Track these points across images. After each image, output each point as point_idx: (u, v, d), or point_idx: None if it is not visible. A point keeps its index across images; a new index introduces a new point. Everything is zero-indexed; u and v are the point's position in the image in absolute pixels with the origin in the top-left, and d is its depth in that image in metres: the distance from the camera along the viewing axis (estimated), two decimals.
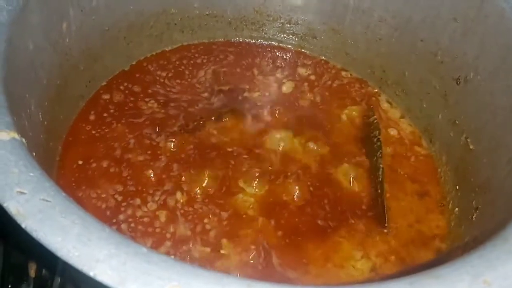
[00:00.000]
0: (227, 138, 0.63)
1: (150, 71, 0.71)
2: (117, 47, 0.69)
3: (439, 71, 0.64)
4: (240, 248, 0.53)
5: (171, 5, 0.73)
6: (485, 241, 0.35)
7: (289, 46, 0.78)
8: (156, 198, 0.56)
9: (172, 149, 0.61)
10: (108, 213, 0.55)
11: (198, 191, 0.57)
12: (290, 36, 0.78)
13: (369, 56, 0.73)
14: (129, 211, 0.55)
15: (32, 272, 0.59)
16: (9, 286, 0.58)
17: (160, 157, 0.60)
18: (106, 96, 0.67)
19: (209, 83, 0.71)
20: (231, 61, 0.75)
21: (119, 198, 0.56)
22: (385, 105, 0.71)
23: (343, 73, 0.75)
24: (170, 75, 0.71)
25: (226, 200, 0.57)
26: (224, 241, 0.54)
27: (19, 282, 0.58)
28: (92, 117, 0.64)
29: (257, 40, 0.79)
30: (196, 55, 0.75)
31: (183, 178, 0.58)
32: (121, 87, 0.68)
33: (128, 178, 0.58)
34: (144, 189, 0.57)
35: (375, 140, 0.62)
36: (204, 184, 0.58)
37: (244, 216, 0.56)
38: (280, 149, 0.63)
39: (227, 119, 0.65)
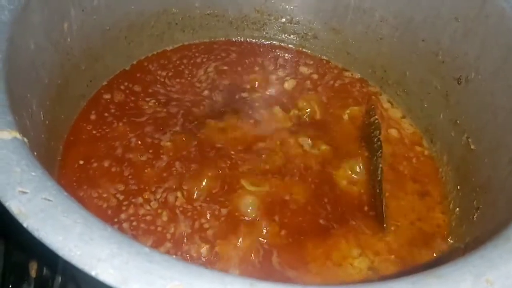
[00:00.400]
0: (228, 137, 0.63)
1: (150, 71, 0.71)
2: (118, 46, 0.69)
3: (440, 71, 0.64)
4: (241, 247, 0.53)
5: (172, 5, 0.73)
6: (486, 240, 0.35)
7: (290, 46, 0.78)
8: (158, 197, 0.57)
9: (173, 148, 0.61)
10: (109, 212, 0.55)
11: (199, 190, 0.57)
12: (291, 35, 0.78)
13: (370, 56, 0.73)
14: (131, 210, 0.55)
15: (33, 272, 0.59)
16: (10, 286, 0.58)
17: (161, 156, 0.60)
18: (107, 96, 0.67)
19: (210, 82, 0.71)
20: (232, 60, 0.75)
21: (121, 197, 0.56)
22: (386, 105, 0.71)
23: (344, 73, 0.75)
24: (170, 74, 0.71)
25: (227, 198, 0.57)
26: (225, 240, 0.54)
27: (20, 281, 0.58)
28: (93, 117, 0.64)
29: (258, 40, 0.79)
30: (197, 54, 0.75)
31: (184, 177, 0.58)
32: (122, 87, 0.68)
33: (129, 177, 0.58)
34: (146, 188, 0.57)
35: (375, 140, 0.62)
36: (205, 183, 0.58)
37: (244, 215, 0.56)
38: (281, 148, 0.63)
39: (228, 118, 0.65)
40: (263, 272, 0.52)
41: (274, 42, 0.79)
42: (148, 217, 0.55)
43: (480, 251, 0.32)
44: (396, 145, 0.66)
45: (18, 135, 0.35)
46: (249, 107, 0.68)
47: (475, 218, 0.54)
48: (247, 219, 0.56)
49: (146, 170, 0.59)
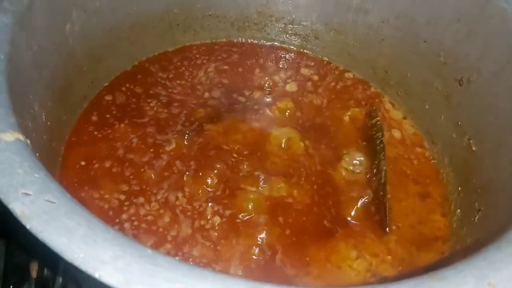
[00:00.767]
0: (230, 138, 0.63)
1: (152, 72, 0.71)
2: (119, 47, 0.69)
3: (442, 72, 0.64)
4: (242, 247, 0.53)
5: (174, 6, 0.73)
6: (488, 242, 0.35)
7: (292, 47, 0.78)
8: (159, 197, 0.57)
9: (174, 149, 0.61)
10: (110, 213, 0.55)
11: (201, 190, 0.58)
12: (293, 36, 0.78)
13: (371, 57, 0.73)
14: (132, 211, 0.55)
15: (33, 273, 0.59)
16: (11, 286, 0.58)
17: (162, 157, 0.60)
18: (109, 97, 0.67)
19: (211, 83, 0.71)
20: (233, 61, 0.75)
21: (122, 198, 0.56)
22: (387, 106, 0.71)
23: (346, 74, 0.75)
24: (171, 76, 0.71)
25: (229, 200, 0.57)
26: (226, 240, 0.54)
27: (21, 282, 0.58)
28: (94, 118, 0.64)
29: (260, 41, 0.79)
30: (198, 55, 0.75)
31: (186, 177, 0.58)
32: (123, 88, 0.68)
33: (130, 177, 0.58)
34: (148, 188, 0.57)
35: (378, 141, 0.62)
36: (207, 184, 0.58)
37: (245, 216, 0.56)
38: (283, 149, 0.63)
39: (229, 119, 0.65)
40: (264, 273, 0.52)
41: (275, 43, 0.79)
42: (149, 217, 0.55)
43: (483, 254, 0.32)
44: (397, 147, 0.66)
45: (20, 137, 0.35)
46: (250, 108, 0.68)
47: (476, 220, 0.54)
48: (248, 220, 0.56)
49: (147, 171, 0.59)
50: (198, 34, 0.77)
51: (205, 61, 0.74)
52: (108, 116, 0.64)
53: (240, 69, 0.74)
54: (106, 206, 0.55)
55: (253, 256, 0.53)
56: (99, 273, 0.28)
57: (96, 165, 0.59)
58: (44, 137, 0.51)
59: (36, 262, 0.58)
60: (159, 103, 0.67)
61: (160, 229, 0.54)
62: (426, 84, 0.67)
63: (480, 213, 0.54)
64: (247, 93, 0.70)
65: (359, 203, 0.59)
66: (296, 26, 0.77)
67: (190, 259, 0.52)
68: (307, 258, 0.53)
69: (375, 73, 0.73)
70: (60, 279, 0.58)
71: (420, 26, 0.66)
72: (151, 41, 0.73)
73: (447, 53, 0.63)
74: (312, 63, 0.76)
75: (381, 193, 0.59)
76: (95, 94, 0.66)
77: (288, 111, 0.68)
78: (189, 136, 0.62)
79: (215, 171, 0.59)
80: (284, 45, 0.79)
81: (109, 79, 0.69)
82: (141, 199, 0.56)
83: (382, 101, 0.72)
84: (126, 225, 0.54)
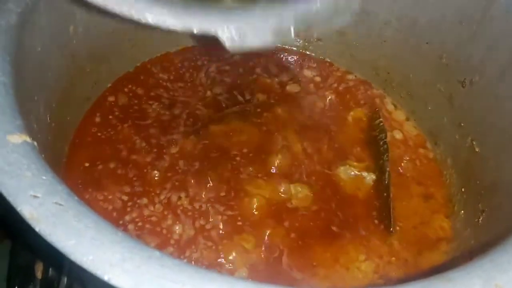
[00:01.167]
0: (232, 140, 0.63)
1: (153, 73, 0.71)
2: (122, 49, 0.69)
3: (445, 73, 0.64)
4: (246, 248, 0.54)
5: None
6: (493, 244, 0.35)
7: (294, 48, 0.78)
8: (162, 198, 0.57)
9: (177, 151, 0.61)
10: (114, 214, 0.55)
11: (205, 192, 0.58)
12: (295, 38, 0.78)
13: (373, 58, 0.73)
14: (136, 212, 0.55)
15: (38, 273, 0.59)
16: (16, 287, 0.58)
17: (165, 158, 0.60)
18: (112, 98, 0.67)
19: (212, 84, 0.71)
20: (235, 62, 0.75)
21: (126, 199, 0.56)
22: (390, 107, 0.71)
23: (348, 76, 0.75)
24: (172, 77, 0.71)
25: (232, 201, 0.57)
26: (230, 241, 0.54)
27: (26, 283, 0.58)
28: (98, 119, 0.64)
29: None
30: (198, 56, 0.75)
31: (189, 179, 0.58)
32: (126, 89, 0.68)
33: (134, 179, 0.58)
34: (151, 189, 0.57)
35: (381, 143, 0.62)
36: (209, 185, 0.58)
37: (249, 217, 0.56)
38: (285, 151, 0.63)
39: (232, 121, 0.65)
40: (269, 274, 0.52)
41: (277, 44, 0.79)
42: (153, 218, 0.55)
43: (490, 255, 0.32)
44: (400, 148, 0.66)
45: (28, 139, 0.35)
46: (252, 109, 0.68)
47: (480, 221, 0.54)
48: (252, 221, 0.56)
49: (150, 172, 0.59)
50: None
51: (206, 62, 0.74)
52: (111, 117, 0.64)
53: (241, 70, 0.74)
54: (110, 207, 0.55)
55: (258, 258, 0.53)
56: (108, 275, 0.28)
57: (100, 166, 0.59)
58: (49, 138, 0.51)
59: (41, 263, 0.58)
60: (161, 105, 0.67)
61: (164, 231, 0.54)
62: (428, 86, 0.67)
63: (483, 214, 0.54)
64: (248, 94, 0.70)
65: (363, 205, 0.59)
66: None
67: (193, 261, 0.52)
68: (314, 261, 0.53)
69: (377, 74, 0.73)
70: (65, 280, 0.58)
71: (422, 27, 0.66)
72: (153, 42, 0.73)
73: (449, 54, 0.63)
74: (314, 65, 0.76)
75: (385, 194, 0.59)
76: (98, 95, 0.66)
77: (291, 112, 0.68)
78: (192, 137, 0.62)
79: (218, 173, 0.59)
80: (286, 46, 0.79)
81: (112, 80, 0.69)
82: (145, 200, 0.56)
83: (385, 102, 0.72)
84: (130, 226, 0.54)
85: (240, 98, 0.70)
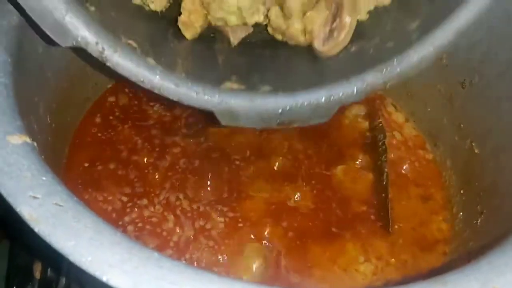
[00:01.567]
0: (233, 141, 0.63)
1: None
2: None
3: (444, 75, 0.64)
4: (246, 249, 0.54)
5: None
6: (492, 246, 0.35)
7: None
8: (161, 198, 0.57)
9: (178, 152, 0.61)
10: (114, 215, 0.55)
11: (204, 193, 0.58)
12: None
13: None
14: (136, 213, 0.55)
15: (37, 273, 0.59)
16: (14, 287, 0.58)
17: (166, 159, 0.60)
18: (112, 99, 0.67)
19: None
20: None
21: (125, 200, 0.56)
22: (389, 108, 0.71)
23: None
24: None
25: (233, 202, 0.57)
26: (230, 241, 0.54)
27: (24, 283, 0.58)
28: (98, 120, 0.64)
29: None
30: None
31: (189, 180, 0.59)
32: (126, 90, 0.68)
33: (134, 180, 0.58)
34: (151, 190, 0.57)
35: (380, 144, 0.62)
36: (211, 186, 0.58)
37: (249, 218, 0.56)
38: (285, 152, 0.63)
39: None
40: (270, 276, 0.52)
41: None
42: (153, 219, 0.55)
43: (487, 258, 0.33)
44: (399, 149, 0.66)
45: (28, 139, 0.35)
46: None
47: (479, 223, 0.54)
48: (251, 221, 0.56)
49: (151, 173, 0.59)
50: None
51: None
52: (111, 117, 0.64)
53: None
54: (110, 208, 0.56)
55: (258, 258, 0.53)
56: (107, 276, 0.28)
57: (100, 167, 0.59)
58: (49, 139, 0.51)
59: (39, 263, 0.59)
60: (161, 105, 0.67)
61: (164, 233, 0.54)
62: (428, 87, 0.67)
63: (482, 216, 0.54)
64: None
65: (361, 205, 0.59)
66: None
67: (193, 260, 0.53)
68: (312, 261, 0.53)
69: None
70: (64, 280, 0.58)
71: None
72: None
73: (449, 55, 0.63)
74: None
75: (383, 195, 0.59)
76: (99, 95, 0.66)
77: None
78: (192, 138, 0.62)
79: (219, 174, 0.59)
80: None
81: (112, 81, 0.69)
82: (145, 201, 0.56)
83: (384, 103, 0.72)
84: (130, 227, 0.54)
85: None
